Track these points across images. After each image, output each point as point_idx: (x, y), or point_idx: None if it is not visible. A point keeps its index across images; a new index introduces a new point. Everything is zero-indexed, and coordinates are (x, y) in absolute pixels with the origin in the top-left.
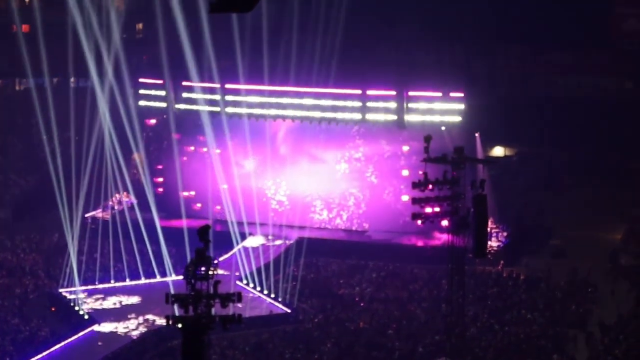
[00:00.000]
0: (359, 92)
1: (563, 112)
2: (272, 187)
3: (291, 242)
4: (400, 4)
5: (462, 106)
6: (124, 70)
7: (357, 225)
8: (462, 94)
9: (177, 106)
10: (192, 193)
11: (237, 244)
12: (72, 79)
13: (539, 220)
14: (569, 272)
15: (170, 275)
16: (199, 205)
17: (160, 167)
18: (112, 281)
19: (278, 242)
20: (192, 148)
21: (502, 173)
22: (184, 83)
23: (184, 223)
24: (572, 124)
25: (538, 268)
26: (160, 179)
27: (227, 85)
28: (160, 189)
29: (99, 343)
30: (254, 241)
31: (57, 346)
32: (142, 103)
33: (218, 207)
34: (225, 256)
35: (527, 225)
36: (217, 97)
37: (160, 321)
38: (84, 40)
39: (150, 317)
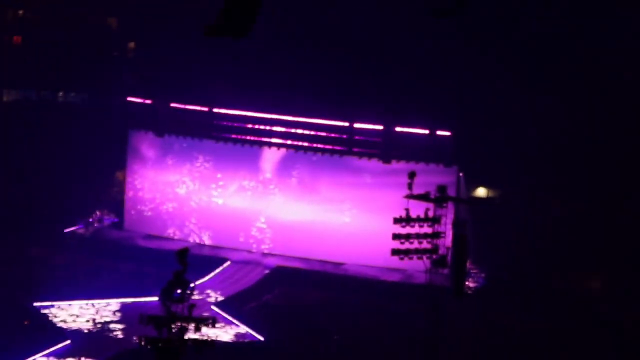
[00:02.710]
0: (346, 124)
1: (550, 156)
2: (254, 212)
3: (269, 270)
4: (394, 39)
5: (447, 145)
6: (114, 88)
7: (335, 256)
8: (449, 133)
9: (162, 128)
10: (172, 212)
11: (215, 268)
12: (60, 93)
13: (516, 265)
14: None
15: (147, 295)
16: (176, 228)
17: (142, 186)
18: (88, 298)
19: (256, 268)
20: (178, 171)
21: (483, 214)
22: (172, 105)
23: (162, 244)
24: (560, 169)
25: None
26: (142, 198)
27: (215, 110)
28: (142, 208)
29: None
30: (232, 266)
31: None
32: (129, 121)
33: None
34: (203, 280)
35: (504, 270)
36: (205, 120)
37: (134, 341)
38: (75, 56)
39: (123, 336)
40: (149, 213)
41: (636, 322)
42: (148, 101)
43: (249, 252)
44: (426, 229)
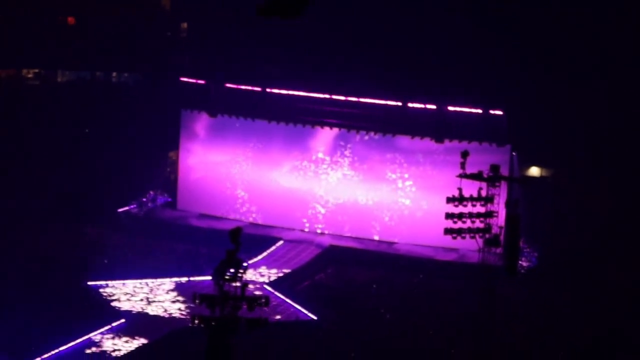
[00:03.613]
0: (399, 104)
1: (604, 135)
2: (307, 192)
3: (322, 249)
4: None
5: (501, 124)
6: (167, 68)
7: (388, 236)
8: (501, 112)
9: (216, 108)
10: (225, 191)
11: (268, 247)
12: (113, 74)
13: (569, 245)
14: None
15: (200, 275)
16: (229, 208)
17: (195, 166)
18: (142, 277)
19: (309, 248)
20: (231, 151)
21: (537, 193)
22: (227, 85)
23: (215, 223)
24: (615, 149)
25: (565, 298)
26: (195, 178)
27: (268, 90)
28: (195, 188)
29: (124, 339)
30: (285, 246)
31: (83, 339)
32: (182, 102)
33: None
34: (255, 259)
35: (558, 249)
36: (258, 100)
37: (187, 320)
38: (129, 37)
39: (177, 315)
40: (202, 193)
41: None
42: (201, 81)
43: (302, 231)
44: (479, 208)
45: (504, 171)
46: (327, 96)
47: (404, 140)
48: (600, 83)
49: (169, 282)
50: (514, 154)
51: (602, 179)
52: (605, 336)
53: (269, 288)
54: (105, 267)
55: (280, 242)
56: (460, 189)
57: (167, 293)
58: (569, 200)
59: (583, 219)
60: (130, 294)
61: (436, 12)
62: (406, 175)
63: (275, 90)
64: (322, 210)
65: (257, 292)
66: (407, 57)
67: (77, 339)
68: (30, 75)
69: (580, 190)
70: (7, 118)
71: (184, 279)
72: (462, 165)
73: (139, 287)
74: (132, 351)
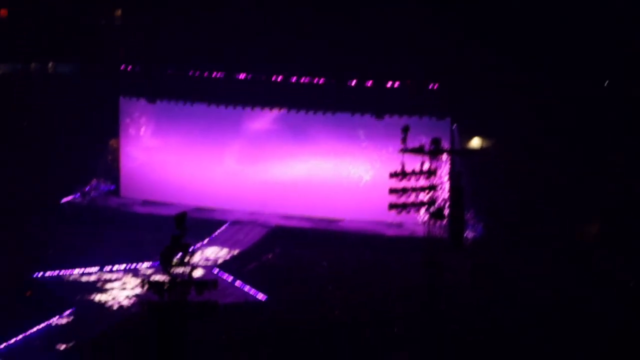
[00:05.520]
0: (337, 81)
1: (544, 104)
2: (250, 173)
3: (268, 229)
4: None
5: (440, 97)
6: (103, 56)
7: (333, 213)
8: (439, 85)
9: (154, 94)
10: (167, 176)
11: (214, 230)
12: (50, 64)
13: (515, 212)
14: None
15: (147, 261)
16: (172, 193)
17: (137, 153)
18: (88, 266)
19: (255, 229)
20: (171, 136)
21: (479, 165)
22: (163, 70)
23: (160, 209)
24: (554, 115)
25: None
26: (137, 164)
27: (207, 73)
28: (137, 175)
29: (73, 329)
30: (231, 228)
31: (32, 330)
32: (120, 89)
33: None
34: (202, 242)
35: (503, 217)
36: (197, 84)
37: (137, 307)
38: (63, 26)
39: (126, 302)
40: (145, 179)
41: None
42: (138, 68)
43: (247, 213)
44: (422, 182)
45: (446, 144)
46: (266, 77)
47: (344, 118)
48: (540, 52)
49: (116, 270)
50: (454, 126)
51: (542, 146)
52: (552, 301)
53: (216, 271)
54: (51, 257)
55: (226, 225)
56: (403, 164)
57: (115, 281)
58: (510, 169)
59: (525, 186)
60: (77, 283)
61: None
62: (348, 152)
63: (214, 74)
64: (266, 191)
65: (206, 276)
66: (343, 34)
67: (26, 330)
68: None
69: (521, 158)
70: None
71: (130, 266)
72: (404, 140)
73: (86, 276)
74: (82, 341)
